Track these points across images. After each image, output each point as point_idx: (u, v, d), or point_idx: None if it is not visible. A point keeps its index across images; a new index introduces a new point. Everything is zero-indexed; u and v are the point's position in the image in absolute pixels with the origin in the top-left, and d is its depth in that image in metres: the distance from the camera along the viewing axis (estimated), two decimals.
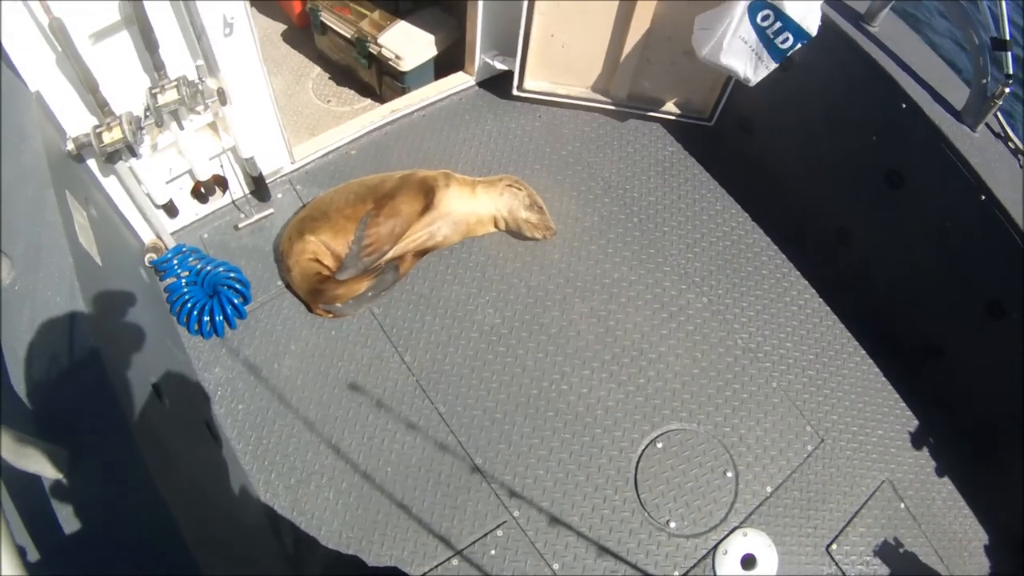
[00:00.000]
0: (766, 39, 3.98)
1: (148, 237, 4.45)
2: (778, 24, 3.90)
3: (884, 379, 4.37)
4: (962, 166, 3.84)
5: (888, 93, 4.09)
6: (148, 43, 3.59)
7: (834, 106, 4.43)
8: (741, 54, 4.11)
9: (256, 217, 4.67)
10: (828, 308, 4.52)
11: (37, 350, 2.62)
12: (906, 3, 4.37)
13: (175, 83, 3.73)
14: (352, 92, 5.85)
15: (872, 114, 4.25)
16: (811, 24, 3.82)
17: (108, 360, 2.66)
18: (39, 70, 3.50)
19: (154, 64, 3.68)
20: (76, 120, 3.71)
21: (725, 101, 4.97)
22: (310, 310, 4.29)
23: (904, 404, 4.34)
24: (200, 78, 3.85)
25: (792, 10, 3.80)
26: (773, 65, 4.06)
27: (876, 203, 4.36)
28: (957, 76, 4.24)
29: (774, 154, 4.92)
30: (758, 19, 3.95)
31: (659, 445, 3.92)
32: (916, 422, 4.30)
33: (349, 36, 5.51)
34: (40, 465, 2.23)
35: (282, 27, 6.28)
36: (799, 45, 3.92)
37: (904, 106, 4.03)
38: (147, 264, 4.35)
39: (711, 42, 4.17)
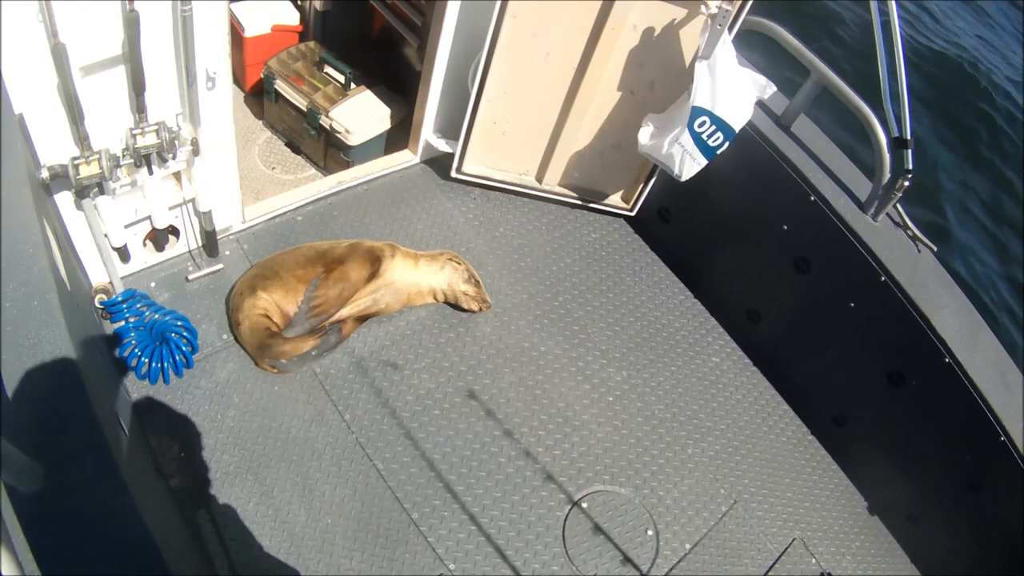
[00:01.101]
0: (700, 142, 4.47)
1: (97, 279, 4.64)
2: (712, 127, 4.39)
3: (793, 444, 4.85)
4: (865, 252, 4.38)
5: (798, 187, 4.63)
6: (136, 84, 3.79)
7: (749, 198, 4.95)
8: (676, 156, 4.61)
9: (207, 270, 4.93)
10: (740, 381, 5.00)
11: (18, 364, 2.74)
12: (818, 109, 4.96)
13: (155, 127, 3.93)
14: (297, 161, 6.20)
15: (784, 206, 4.78)
16: (738, 122, 4.35)
17: (88, 385, 2.80)
18: (27, 93, 3.62)
19: (138, 106, 3.89)
20: (53, 149, 3.82)
21: (647, 193, 5.48)
22: (256, 364, 4.55)
23: (811, 467, 4.83)
24: (178, 126, 4.08)
25: (725, 112, 4.31)
26: (704, 162, 4.56)
27: (785, 286, 4.90)
28: (861, 172, 4.81)
29: (691, 241, 5.45)
30: (695, 125, 4.45)
31: (584, 505, 4.30)
32: (823, 483, 4.79)
33: (302, 107, 5.87)
34: (16, 476, 2.34)
35: (234, 92, 6.64)
36: (727, 143, 4.44)
37: (812, 198, 4.58)
38: (97, 305, 4.53)
39: (653, 141, 4.71)
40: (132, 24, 3.53)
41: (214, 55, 4.09)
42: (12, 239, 3.08)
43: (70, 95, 3.60)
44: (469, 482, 4.28)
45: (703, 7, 4.30)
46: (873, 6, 4.27)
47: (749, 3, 4.30)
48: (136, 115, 3.95)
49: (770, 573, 4.41)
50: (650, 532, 4.34)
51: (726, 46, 4.26)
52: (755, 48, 5.05)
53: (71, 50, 3.50)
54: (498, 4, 4.56)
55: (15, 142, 3.45)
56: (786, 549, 4.52)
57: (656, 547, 4.31)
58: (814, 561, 4.52)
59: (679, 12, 4.53)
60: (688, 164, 4.59)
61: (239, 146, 5.97)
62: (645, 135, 4.80)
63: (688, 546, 4.36)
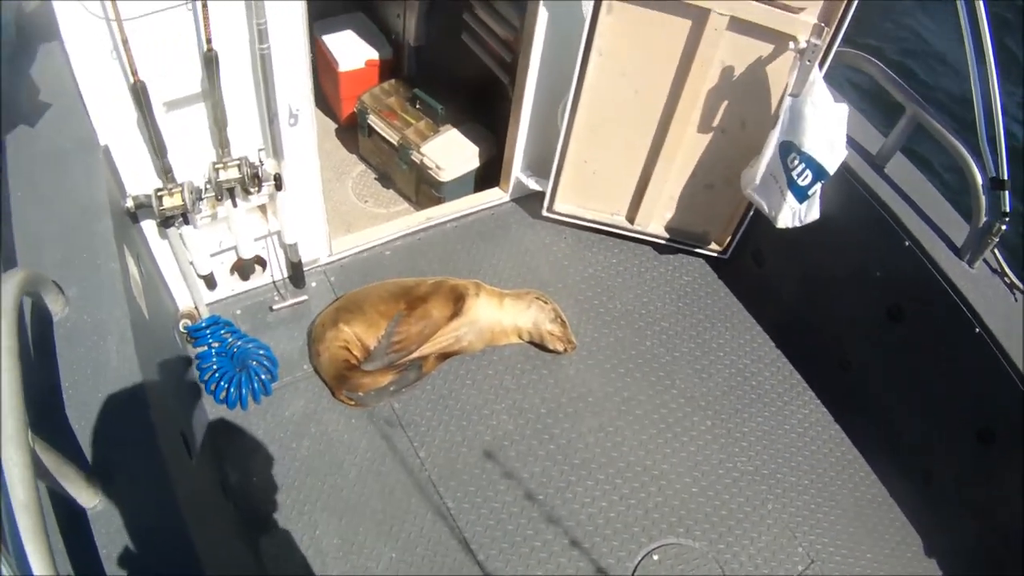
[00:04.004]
0: (790, 179, 4.56)
1: (184, 304, 5.01)
2: (800, 164, 4.47)
3: (876, 504, 4.83)
4: (959, 301, 4.39)
5: (892, 231, 4.67)
6: (218, 120, 4.13)
7: (842, 242, 4.99)
8: (770, 191, 4.75)
9: (291, 301, 5.26)
10: (826, 436, 5.02)
11: (86, 384, 3.02)
12: (916, 145, 5.00)
13: (237, 162, 4.25)
14: (389, 195, 6.56)
15: (877, 250, 4.83)
16: (830, 162, 4.37)
17: (153, 407, 3.09)
18: (112, 126, 4.00)
19: (220, 140, 4.23)
20: (138, 180, 4.21)
21: (740, 235, 5.60)
22: (334, 395, 4.81)
23: (894, 528, 4.80)
24: (260, 161, 4.36)
25: (814, 150, 4.38)
26: (796, 205, 4.63)
27: (878, 334, 4.92)
28: (958, 214, 4.77)
29: (783, 286, 5.53)
30: (788, 161, 4.56)
31: (655, 557, 4.40)
32: (905, 547, 4.75)
33: (394, 142, 6.21)
34: (75, 488, 2.59)
35: (329, 124, 7.04)
36: (819, 184, 4.48)
37: (907, 243, 4.61)
38: (181, 329, 4.89)
39: (751, 180, 4.86)
40: (211, 62, 3.87)
41: (296, 92, 4.41)
42: (91, 264, 3.44)
43: (152, 129, 3.95)
44: (539, 526, 4.42)
45: (792, 42, 4.45)
46: (967, 42, 4.29)
47: (840, 37, 4.41)
48: (219, 149, 4.29)
49: None
50: None
51: (817, 82, 4.35)
52: (849, 82, 5.12)
53: (153, 86, 3.85)
54: (584, 41, 4.79)
55: (99, 172, 3.85)
56: None
57: None
58: None
59: (768, 48, 4.66)
60: (781, 206, 4.69)
61: (332, 178, 6.39)
62: (746, 175, 4.96)
63: None
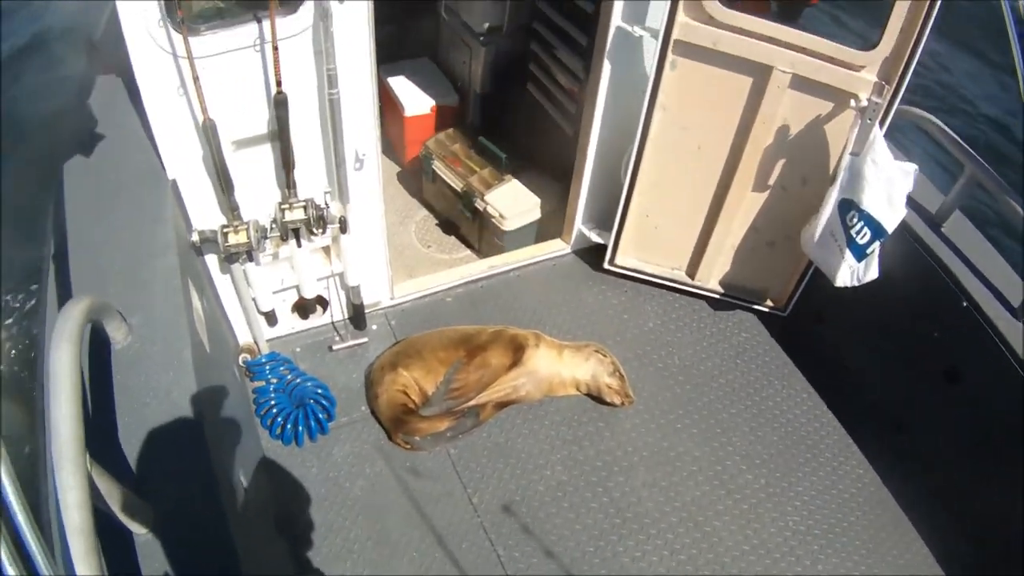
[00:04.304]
0: (849, 237, 4.59)
1: (244, 339, 5.18)
2: (860, 223, 4.51)
3: (928, 566, 4.74)
4: (1016, 364, 4.34)
5: (951, 291, 4.66)
6: (286, 161, 4.27)
7: (900, 302, 4.97)
8: (829, 249, 4.78)
9: (351, 343, 5.40)
10: (879, 496, 4.97)
11: (144, 412, 3.12)
12: (975, 202, 4.98)
13: (303, 203, 4.39)
14: (452, 241, 6.67)
15: (935, 311, 4.82)
16: (889, 221, 4.40)
17: (209, 437, 3.17)
18: (180, 162, 4.19)
19: (287, 182, 4.36)
20: (204, 215, 4.39)
21: (800, 292, 5.62)
22: (390, 438, 4.91)
23: None
24: (326, 203, 4.49)
25: (874, 208, 4.41)
26: (855, 264, 4.65)
27: (935, 396, 4.90)
28: (1017, 275, 4.75)
29: (840, 345, 5.53)
30: (847, 218, 4.59)
31: None
32: None
33: (458, 188, 6.33)
34: (126, 514, 2.65)
35: (393, 167, 7.20)
36: (878, 243, 4.50)
37: (965, 304, 4.60)
38: (240, 364, 5.05)
39: (809, 233, 4.90)
40: (281, 105, 4.02)
41: (363, 137, 4.57)
42: (156, 295, 3.57)
43: (220, 167, 4.10)
44: None
45: (853, 100, 4.49)
46: None
47: (900, 96, 4.45)
48: (285, 190, 4.43)
49: None
50: None
51: (877, 140, 4.37)
52: (909, 138, 5.13)
53: (223, 125, 4.02)
54: (648, 95, 4.89)
55: (166, 205, 4.02)
56: None
57: None
58: None
59: (830, 106, 4.72)
60: (839, 264, 4.73)
61: (396, 222, 6.51)
62: (806, 233, 4.99)
63: None
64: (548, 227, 6.28)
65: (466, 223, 6.48)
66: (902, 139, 4.96)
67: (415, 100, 6.78)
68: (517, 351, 5.09)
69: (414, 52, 7.38)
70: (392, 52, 6.89)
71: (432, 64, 7.20)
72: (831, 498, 4.92)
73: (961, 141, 4.77)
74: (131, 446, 3.03)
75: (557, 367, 5.17)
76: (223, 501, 3.05)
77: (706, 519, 4.74)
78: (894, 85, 4.44)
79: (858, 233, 4.56)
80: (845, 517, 4.84)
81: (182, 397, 3.21)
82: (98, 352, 3.32)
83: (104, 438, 3.02)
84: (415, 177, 7.01)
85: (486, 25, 6.49)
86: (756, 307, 5.87)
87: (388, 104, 6.96)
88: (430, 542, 4.50)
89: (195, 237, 4.28)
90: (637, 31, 4.87)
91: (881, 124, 4.48)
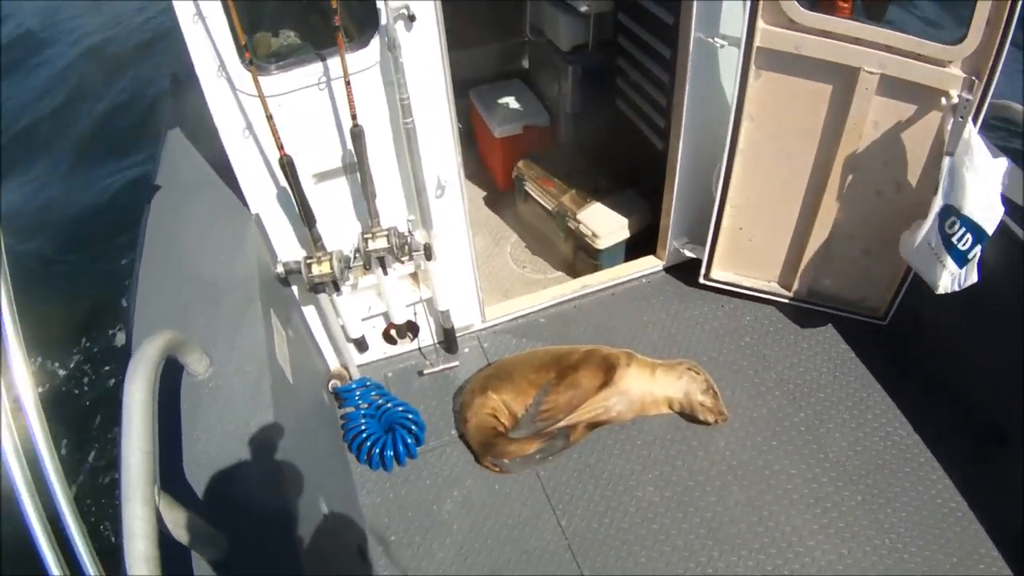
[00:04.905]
0: (948, 243, 4.47)
1: (334, 364, 5.31)
2: (961, 228, 4.38)
3: None
4: None
5: None
6: (366, 191, 4.37)
7: (1005, 304, 4.79)
8: (926, 258, 4.65)
9: (441, 367, 5.48)
10: (974, 516, 4.75)
11: (220, 444, 3.24)
12: None
13: (386, 232, 4.48)
14: (547, 261, 6.71)
15: None
16: (990, 224, 4.27)
17: (284, 468, 3.30)
18: (262, 196, 4.37)
19: (369, 211, 4.46)
20: (289, 247, 4.56)
21: (899, 300, 5.47)
22: (478, 461, 4.97)
23: None
24: (410, 231, 4.59)
25: (974, 212, 4.27)
26: (957, 270, 4.51)
27: None
28: None
29: (943, 355, 5.33)
30: (945, 226, 4.47)
31: None
32: None
33: (550, 208, 6.38)
34: (201, 544, 2.76)
35: (487, 190, 7.31)
36: (979, 247, 4.36)
37: None
38: (330, 389, 5.18)
39: (908, 242, 4.78)
40: (358, 137, 4.13)
41: (444, 164, 4.64)
42: (237, 328, 3.73)
43: (301, 200, 4.23)
44: None
45: (944, 98, 4.38)
46: None
47: (992, 89, 4.31)
48: (368, 220, 4.52)
49: None
50: None
51: (972, 138, 4.26)
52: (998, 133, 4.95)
53: (301, 159, 4.17)
54: (734, 106, 4.87)
55: (248, 239, 4.20)
56: None
57: None
58: None
59: (919, 106, 4.60)
60: (940, 272, 4.59)
61: (491, 243, 6.61)
62: (904, 238, 4.87)
63: None
64: (642, 244, 6.27)
65: (560, 242, 6.52)
66: (992, 135, 4.76)
67: (506, 122, 6.87)
68: (608, 371, 5.08)
69: (507, 74, 7.47)
70: (484, 75, 6.98)
71: (523, 85, 7.29)
72: (930, 513, 4.75)
73: None
74: (204, 477, 3.15)
75: (649, 386, 5.15)
76: (294, 532, 3.14)
77: (800, 539, 4.64)
78: (984, 79, 4.30)
79: (959, 239, 4.43)
80: (942, 533, 4.67)
81: (259, 427, 3.34)
82: (184, 385, 3.48)
83: (178, 470, 3.16)
84: (509, 198, 7.09)
85: (571, 44, 6.57)
86: (855, 317, 5.72)
87: (480, 126, 7.07)
88: (517, 565, 4.52)
89: (280, 269, 4.44)
90: (717, 41, 4.84)
91: (975, 121, 4.35)
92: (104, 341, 8.65)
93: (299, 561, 3.04)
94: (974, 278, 4.52)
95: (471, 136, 7.53)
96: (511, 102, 7.03)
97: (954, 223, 4.42)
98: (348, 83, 3.96)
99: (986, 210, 4.28)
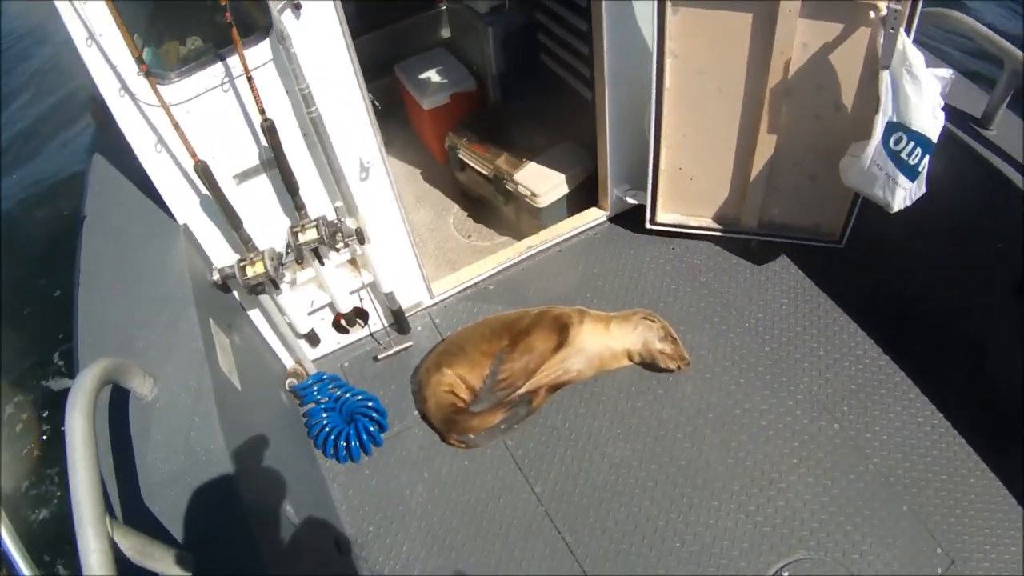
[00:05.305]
0: (898, 160, 4.37)
1: (290, 363, 5.20)
2: (909, 143, 4.29)
3: (1019, 496, 4.48)
4: None
5: (1008, 198, 4.41)
6: (288, 185, 4.28)
7: (957, 217, 4.76)
8: (878, 182, 4.54)
9: (395, 349, 5.38)
10: (960, 427, 4.71)
11: (172, 464, 3.19)
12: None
13: (315, 223, 4.38)
14: (492, 228, 6.61)
15: (995, 221, 4.57)
16: (934, 132, 4.19)
17: (241, 478, 3.21)
18: (186, 206, 4.28)
19: (295, 204, 4.38)
20: (222, 253, 4.47)
21: (854, 221, 5.35)
22: (444, 440, 4.87)
23: None
24: (339, 218, 4.50)
25: (919, 123, 4.19)
26: (910, 185, 4.43)
27: (1008, 315, 4.63)
28: None
29: (902, 272, 5.26)
30: (891, 143, 4.37)
31: (785, 574, 4.23)
32: None
33: (486, 173, 6.25)
34: (164, 566, 2.68)
35: (425, 165, 7.17)
36: (927, 157, 4.28)
37: None
38: (288, 388, 5.07)
39: (854, 169, 4.66)
40: (271, 131, 4.03)
41: (363, 145, 4.53)
42: (174, 345, 3.65)
43: (222, 203, 4.13)
44: (662, 554, 4.31)
45: (872, 11, 4.28)
46: None
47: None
48: (295, 213, 4.43)
49: None
50: None
51: (908, 49, 4.15)
52: (940, 41, 4.87)
53: (218, 162, 4.10)
54: (655, 45, 4.76)
55: (177, 251, 4.13)
56: None
57: None
58: None
59: (848, 21, 4.47)
60: (894, 191, 4.51)
61: (434, 216, 6.53)
62: (845, 166, 4.78)
63: None
64: (585, 198, 6.17)
65: (501, 206, 6.39)
66: (936, 46, 4.66)
67: (433, 93, 6.72)
68: (562, 331, 4.98)
69: (430, 45, 7.35)
70: (407, 49, 6.88)
71: (447, 53, 7.13)
72: (910, 433, 4.68)
73: (995, 36, 4.47)
74: (161, 499, 3.09)
75: (605, 340, 5.05)
76: (260, 538, 3.08)
77: (780, 475, 4.56)
78: None
79: (910, 154, 4.35)
80: (928, 452, 4.61)
81: (207, 441, 3.28)
82: (128, 410, 3.41)
83: (136, 496, 3.10)
84: (448, 169, 6.95)
85: (489, 5, 6.44)
86: (810, 244, 5.60)
87: (409, 101, 6.93)
88: (496, 538, 4.45)
89: (216, 276, 4.35)
90: None
91: (908, 31, 4.22)
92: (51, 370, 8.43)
93: (265, 566, 2.97)
94: (923, 189, 4.44)
95: (404, 112, 7.40)
96: (436, 73, 6.86)
97: (901, 138, 4.33)
98: (251, 79, 3.88)
99: (932, 119, 4.20)
